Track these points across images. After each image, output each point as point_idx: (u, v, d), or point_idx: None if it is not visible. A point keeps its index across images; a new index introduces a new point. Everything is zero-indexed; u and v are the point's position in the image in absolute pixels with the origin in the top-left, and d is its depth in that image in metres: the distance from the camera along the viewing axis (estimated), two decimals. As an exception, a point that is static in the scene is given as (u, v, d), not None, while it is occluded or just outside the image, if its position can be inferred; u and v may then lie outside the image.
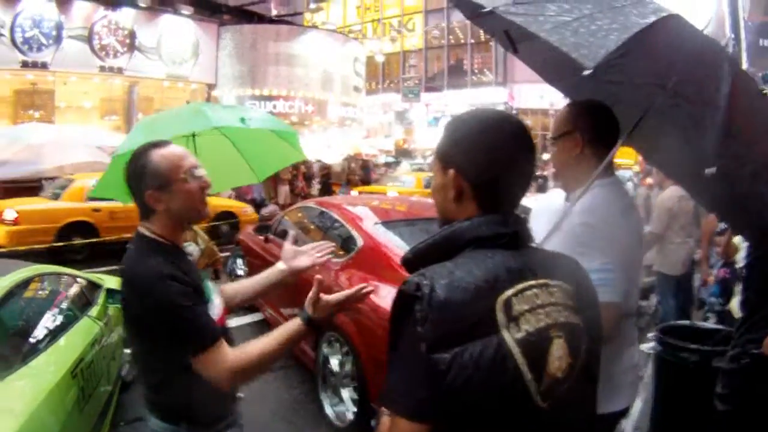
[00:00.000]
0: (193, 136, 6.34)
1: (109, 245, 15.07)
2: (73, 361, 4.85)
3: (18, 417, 3.69)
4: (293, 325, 2.72)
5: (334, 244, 3.46)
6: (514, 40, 3.64)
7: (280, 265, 3.37)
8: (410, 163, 36.71)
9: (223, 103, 30.59)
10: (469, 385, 1.67)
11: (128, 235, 2.86)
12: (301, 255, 3.38)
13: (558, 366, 1.79)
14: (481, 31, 50.50)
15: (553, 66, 4.12)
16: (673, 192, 8.58)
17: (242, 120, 5.99)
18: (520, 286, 1.80)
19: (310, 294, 2.72)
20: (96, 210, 16.09)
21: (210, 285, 3.01)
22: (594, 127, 3.23)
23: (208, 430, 2.92)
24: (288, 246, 3.42)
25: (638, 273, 3.34)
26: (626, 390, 3.24)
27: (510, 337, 1.72)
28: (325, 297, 2.74)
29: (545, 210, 3.72)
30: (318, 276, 2.73)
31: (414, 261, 1.96)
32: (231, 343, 2.78)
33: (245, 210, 19.95)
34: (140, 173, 2.75)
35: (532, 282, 1.84)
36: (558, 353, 1.80)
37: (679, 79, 2.89)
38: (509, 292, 1.77)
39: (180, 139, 6.10)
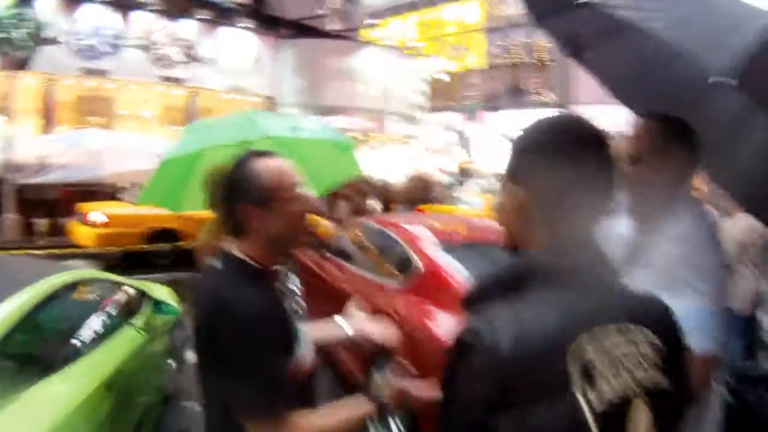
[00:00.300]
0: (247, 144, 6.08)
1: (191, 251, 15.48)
2: (110, 372, 4.78)
3: (44, 426, 3.62)
4: (363, 407, 2.54)
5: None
6: (583, 46, 3.42)
7: (345, 327, 3.12)
8: (477, 183, 36.27)
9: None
10: None
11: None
12: (368, 321, 3.14)
13: None
14: (541, 52, 50.64)
15: (620, 76, 3.88)
16: (743, 221, 8.19)
17: (293, 129, 5.80)
18: (600, 334, 1.54)
19: (401, 386, 2.61)
20: (182, 217, 16.11)
21: (300, 326, 2.78)
22: (695, 148, 2.93)
23: None
24: (354, 310, 3.18)
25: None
26: None
27: (584, 400, 1.47)
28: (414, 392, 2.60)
29: (613, 239, 3.41)
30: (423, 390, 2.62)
31: (477, 300, 1.69)
32: (312, 393, 2.73)
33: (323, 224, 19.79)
34: (238, 183, 2.51)
35: (614, 330, 1.57)
36: (640, 421, 1.53)
37: None
38: (586, 342, 1.51)
39: (233, 149, 5.90)
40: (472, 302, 1.71)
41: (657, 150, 2.94)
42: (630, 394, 1.53)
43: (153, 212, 15.77)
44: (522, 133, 1.82)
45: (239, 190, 2.50)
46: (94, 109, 29.53)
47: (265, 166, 2.51)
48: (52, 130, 25.93)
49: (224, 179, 2.56)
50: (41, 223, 20.01)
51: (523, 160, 1.77)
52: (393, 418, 6.11)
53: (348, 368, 7.43)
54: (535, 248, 1.70)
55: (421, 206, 26.19)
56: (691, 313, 2.28)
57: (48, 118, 26.49)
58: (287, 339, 2.52)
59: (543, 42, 51.32)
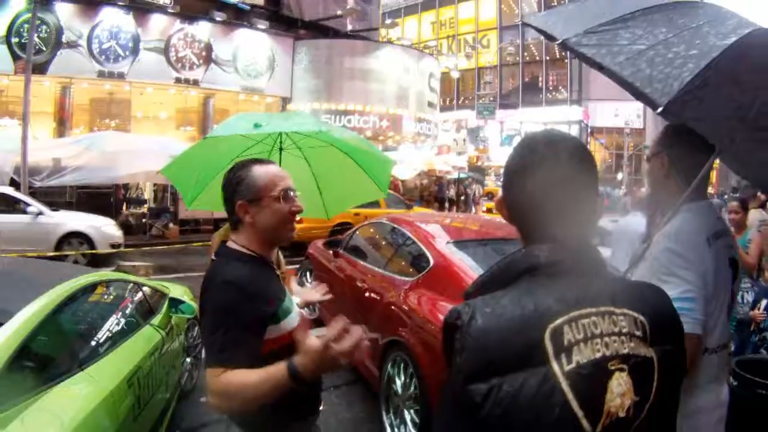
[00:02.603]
0: (281, 150, 6.13)
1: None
2: (131, 369, 4.84)
3: (69, 423, 3.66)
4: (279, 372, 2.51)
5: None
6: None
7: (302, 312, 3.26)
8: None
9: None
10: (507, 420, 1.53)
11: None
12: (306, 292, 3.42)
13: (619, 403, 1.61)
14: (557, 48, 50.90)
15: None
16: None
17: (255, 125, 5.64)
18: (575, 313, 1.65)
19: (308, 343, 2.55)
20: (356, 214, 19.46)
21: (292, 301, 3.09)
22: (677, 148, 3.06)
23: None
24: (294, 286, 3.47)
25: (726, 303, 3.05)
26: None
27: (558, 369, 1.57)
28: (308, 342, 2.50)
29: (625, 234, 3.49)
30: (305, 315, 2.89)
31: (475, 294, 1.80)
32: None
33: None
34: (236, 183, 2.90)
35: (591, 310, 1.68)
36: (619, 389, 1.61)
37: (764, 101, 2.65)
38: (561, 320, 1.63)
39: (266, 153, 6.04)
40: (469, 295, 1.81)
41: (658, 153, 3.11)
42: (609, 365, 1.62)
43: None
44: (511, 152, 1.96)
45: (236, 189, 2.89)
46: (109, 112, 29.89)
47: (260, 170, 2.92)
48: (68, 132, 26.17)
49: (226, 181, 2.96)
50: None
51: (505, 172, 1.94)
52: (408, 409, 6.17)
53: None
54: (529, 246, 1.85)
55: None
56: (675, 298, 2.37)
57: (64, 121, 26.73)
58: (264, 308, 2.76)
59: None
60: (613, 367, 1.62)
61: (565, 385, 1.55)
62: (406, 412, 6.20)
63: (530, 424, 1.53)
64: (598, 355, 1.62)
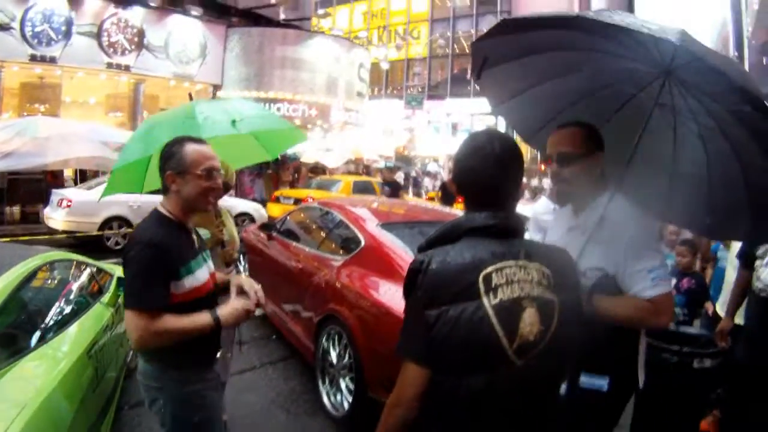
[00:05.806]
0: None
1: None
2: (89, 343, 5.07)
3: (43, 389, 3.87)
4: (204, 320, 3.40)
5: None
6: (488, 65, 3.90)
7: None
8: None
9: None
10: (450, 337, 2.26)
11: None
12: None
13: (529, 330, 2.35)
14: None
15: (509, 93, 4.35)
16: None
17: (233, 123, 5.95)
18: (500, 264, 2.39)
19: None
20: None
21: (202, 266, 3.66)
22: (603, 146, 3.55)
23: (193, 373, 3.59)
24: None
25: None
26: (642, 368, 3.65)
27: (487, 303, 2.31)
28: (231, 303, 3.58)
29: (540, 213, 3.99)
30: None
31: (427, 247, 2.52)
32: (212, 306, 3.51)
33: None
34: (169, 156, 3.45)
35: (512, 262, 2.41)
36: (529, 320, 2.36)
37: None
38: (490, 268, 2.36)
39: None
40: (423, 249, 2.52)
41: (592, 152, 3.49)
42: (522, 302, 2.36)
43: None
44: (462, 143, 2.66)
45: (168, 161, 3.46)
46: (39, 97, 29.33)
47: (191, 148, 3.48)
48: (-4, 117, 25.67)
49: (162, 152, 3.52)
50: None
51: (458, 158, 2.63)
52: (343, 378, 6.63)
53: (293, 335, 8.07)
54: (471, 213, 2.56)
55: (282, 191, 27.03)
56: (657, 266, 3.30)
57: (-9, 105, 26.23)
58: (176, 263, 3.38)
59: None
60: (525, 304, 2.37)
61: (492, 313, 2.30)
62: (341, 381, 6.63)
63: (466, 340, 2.27)
64: (515, 294, 2.36)
